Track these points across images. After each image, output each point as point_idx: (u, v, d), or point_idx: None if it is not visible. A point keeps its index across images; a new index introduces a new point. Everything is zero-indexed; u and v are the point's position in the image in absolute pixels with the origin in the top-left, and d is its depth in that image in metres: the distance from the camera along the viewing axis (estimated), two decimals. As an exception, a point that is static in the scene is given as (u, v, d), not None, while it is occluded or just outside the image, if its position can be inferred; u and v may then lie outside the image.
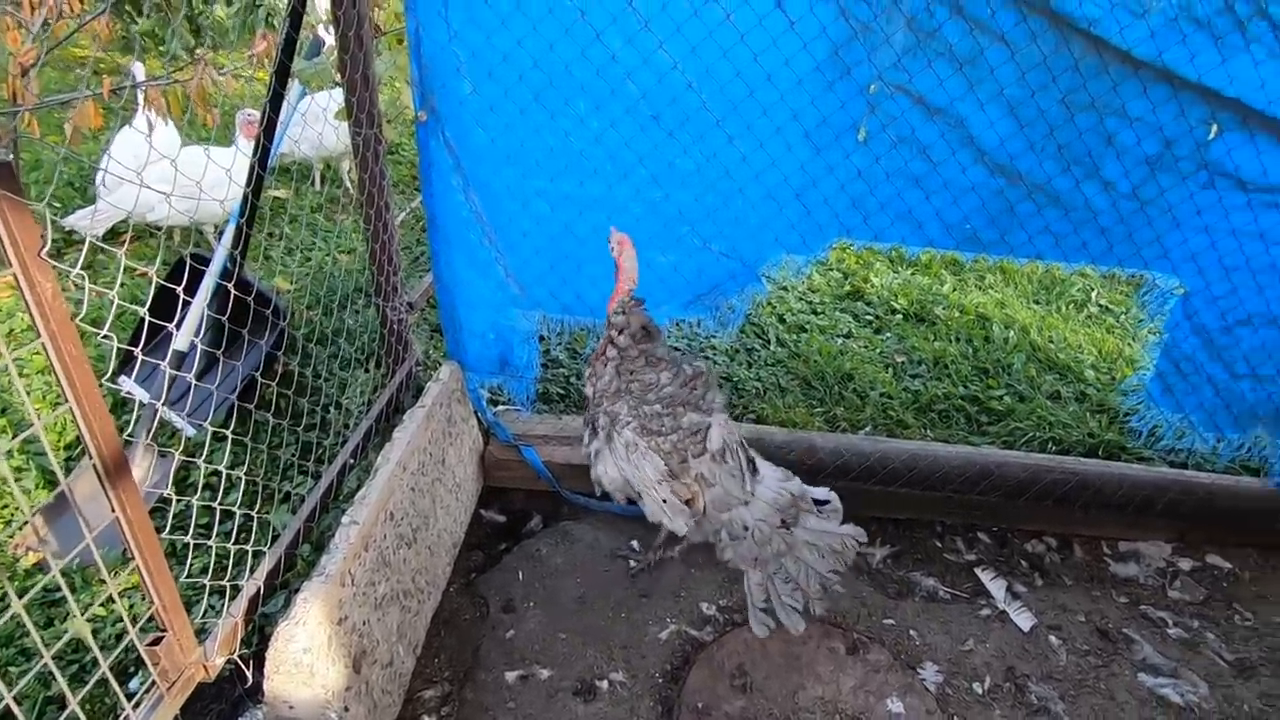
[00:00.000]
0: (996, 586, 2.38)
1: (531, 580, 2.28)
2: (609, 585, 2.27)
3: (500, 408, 2.73)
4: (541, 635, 2.10)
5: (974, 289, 4.19)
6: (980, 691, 2.03)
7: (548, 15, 1.97)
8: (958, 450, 2.67)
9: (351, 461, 2.19)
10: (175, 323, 2.49)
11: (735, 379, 3.13)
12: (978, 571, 2.45)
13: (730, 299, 2.42)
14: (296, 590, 1.57)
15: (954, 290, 4.09)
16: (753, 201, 2.26)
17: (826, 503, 2.03)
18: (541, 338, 2.60)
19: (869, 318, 3.83)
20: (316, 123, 3.58)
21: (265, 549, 1.79)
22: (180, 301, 1.75)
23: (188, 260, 2.00)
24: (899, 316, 3.83)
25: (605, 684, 1.98)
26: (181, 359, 2.50)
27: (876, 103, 2.12)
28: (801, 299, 3.91)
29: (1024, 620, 2.26)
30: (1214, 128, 2.15)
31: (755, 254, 2.35)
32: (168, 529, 1.64)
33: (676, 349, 3.32)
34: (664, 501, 1.87)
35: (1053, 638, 2.22)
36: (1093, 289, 4.25)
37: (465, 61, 2.05)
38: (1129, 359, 3.59)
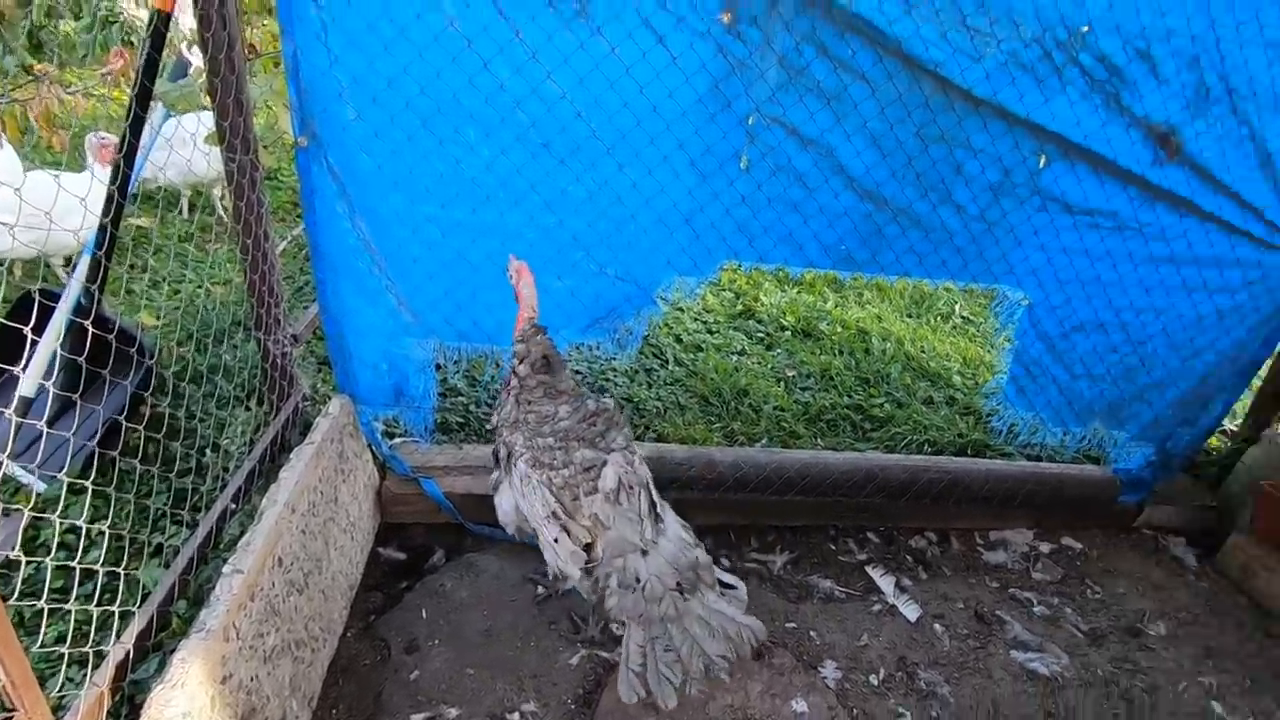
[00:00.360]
0: (886, 582, 2.54)
1: (435, 617, 2.20)
2: (517, 615, 2.24)
3: (397, 440, 2.64)
4: (448, 673, 2.03)
5: (854, 305, 4.48)
6: (876, 683, 2.15)
7: (433, 43, 1.97)
8: (845, 457, 2.84)
9: (233, 507, 2.05)
10: (21, 365, 2.25)
11: (636, 399, 3.19)
12: (869, 570, 2.60)
13: (627, 321, 2.48)
14: (173, 651, 1.45)
15: (836, 307, 4.36)
16: (644, 226, 2.33)
17: (734, 588, 1.94)
18: (438, 366, 2.54)
19: (761, 335, 4.01)
20: (184, 148, 3.35)
21: (134, 609, 1.64)
22: (28, 342, 1.59)
23: (35, 297, 1.82)
24: (788, 333, 4.04)
25: (516, 716, 1.94)
26: (28, 405, 2.25)
27: (755, 133, 2.26)
28: (697, 319, 4.04)
29: (911, 611, 2.42)
30: (1043, 158, 2.44)
31: (649, 277, 2.42)
32: (15, 595, 1.47)
33: (579, 372, 3.34)
34: (555, 540, 1.79)
35: (937, 625, 2.39)
36: (956, 302, 4.66)
37: (348, 87, 2.00)
38: (989, 364, 3.95)
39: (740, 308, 4.25)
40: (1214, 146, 2.44)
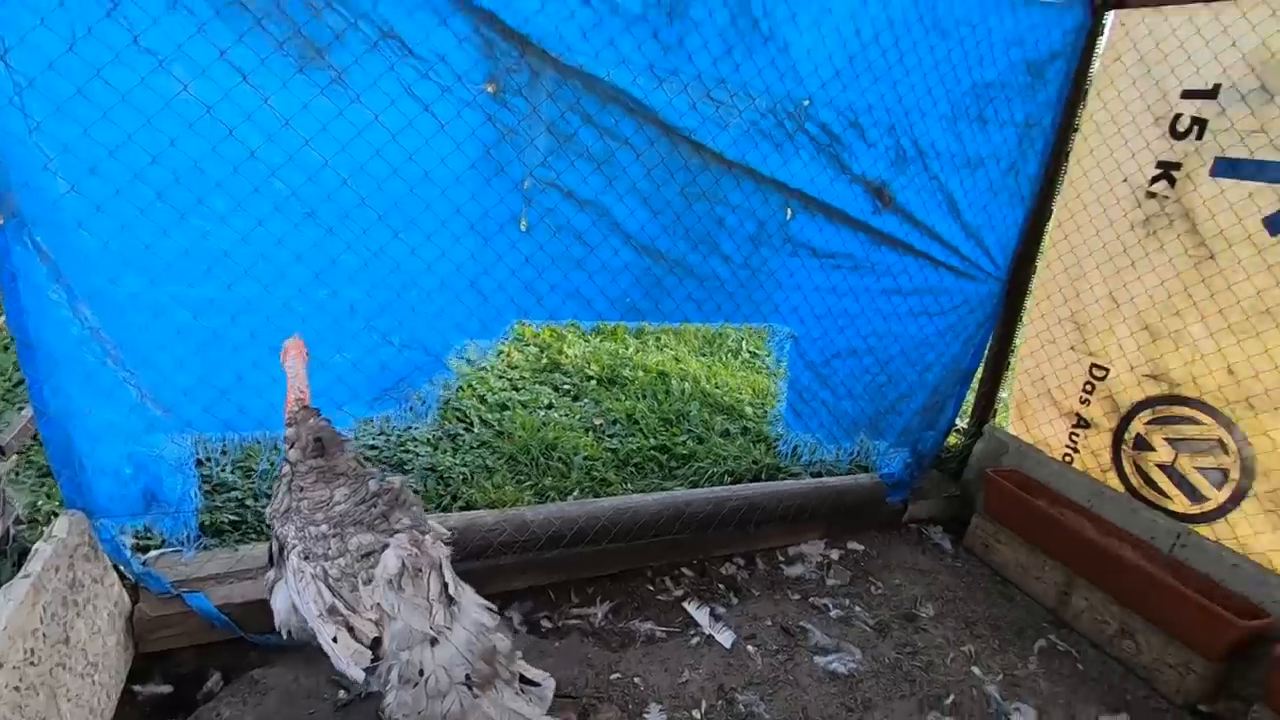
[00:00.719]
0: (701, 614, 2.64)
1: (214, 754, 1.90)
2: (317, 730, 2.00)
3: (153, 554, 2.27)
4: (233, 819, 1.75)
5: (654, 349, 4.72)
6: (699, 716, 2.21)
7: (165, 109, 1.80)
8: (655, 497, 2.95)
9: (-88, 674, 1.62)
10: None
11: (440, 468, 3.06)
12: (685, 605, 2.69)
13: (419, 390, 2.39)
14: None
15: (637, 352, 4.57)
16: (428, 292, 2.28)
17: (537, 685, 1.78)
18: (201, 461, 2.25)
19: (567, 387, 4.07)
20: None
21: None
22: None
23: None
24: (594, 382, 4.14)
25: None
26: None
27: (532, 196, 2.33)
28: (502, 377, 4.00)
29: (726, 638, 2.54)
30: (789, 211, 2.78)
31: (439, 342, 2.36)
32: None
33: (375, 447, 3.13)
34: (333, 640, 1.62)
35: (750, 647, 2.52)
36: (743, 339, 5.10)
37: (56, 157, 1.75)
38: (774, 394, 4.35)
39: (545, 361, 4.29)
40: (916, 198, 2.94)
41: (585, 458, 3.33)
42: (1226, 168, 2.70)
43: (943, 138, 2.91)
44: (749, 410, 4.06)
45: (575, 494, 3.07)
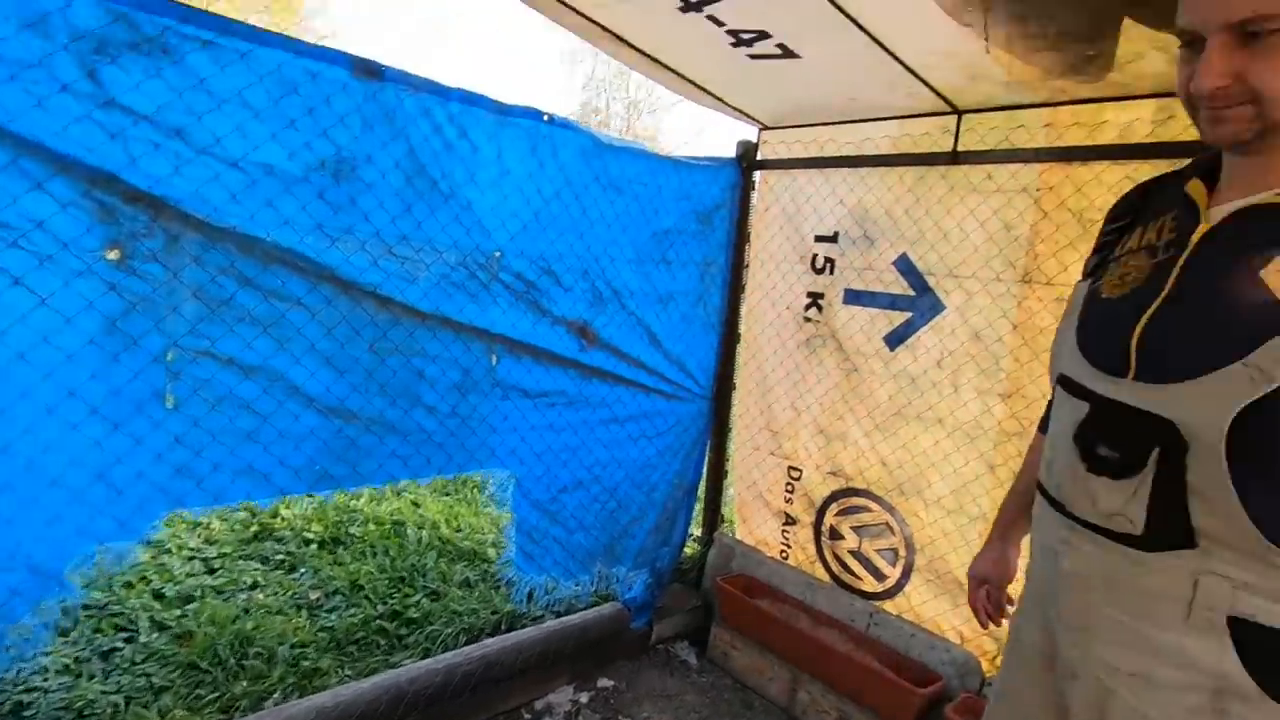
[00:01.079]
0: (429, 816, 2.33)
1: None
2: None
3: None
4: None
5: (390, 495, 4.37)
6: None
7: None
8: (372, 682, 2.60)
9: None
10: None
11: (81, 702, 2.41)
12: (412, 807, 2.36)
13: (23, 620, 1.88)
14: None
15: (369, 502, 4.19)
16: (30, 496, 1.85)
17: None
18: None
19: (280, 556, 3.56)
20: None
21: None
22: None
23: None
24: (314, 546, 3.68)
25: None
26: None
27: (180, 369, 2.05)
28: (193, 558, 3.38)
29: (457, 840, 2.25)
30: (494, 357, 2.79)
31: (50, 556, 1.90)
32: None
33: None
34: None
35: (485, 843, 2.26)
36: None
37: None
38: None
39: (255, 528, 3.73)
40: (618, 333, 3.15)
41: (293, 645, 2.87)
42: (852, 297, 3.29)
43: (634, 278, 3.19)
44: (491, 552, 3.89)
45: (276, 696, 2.61)
